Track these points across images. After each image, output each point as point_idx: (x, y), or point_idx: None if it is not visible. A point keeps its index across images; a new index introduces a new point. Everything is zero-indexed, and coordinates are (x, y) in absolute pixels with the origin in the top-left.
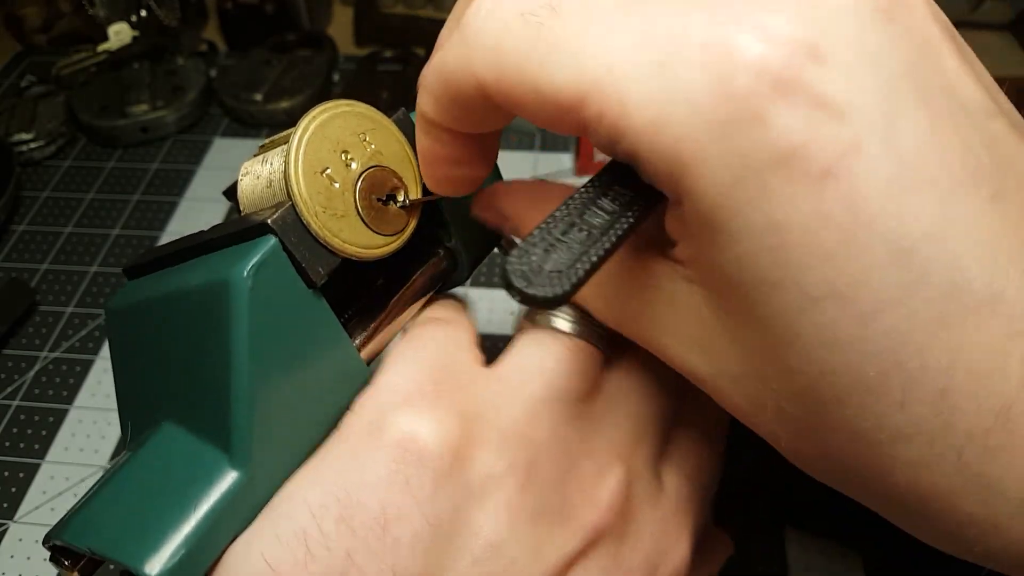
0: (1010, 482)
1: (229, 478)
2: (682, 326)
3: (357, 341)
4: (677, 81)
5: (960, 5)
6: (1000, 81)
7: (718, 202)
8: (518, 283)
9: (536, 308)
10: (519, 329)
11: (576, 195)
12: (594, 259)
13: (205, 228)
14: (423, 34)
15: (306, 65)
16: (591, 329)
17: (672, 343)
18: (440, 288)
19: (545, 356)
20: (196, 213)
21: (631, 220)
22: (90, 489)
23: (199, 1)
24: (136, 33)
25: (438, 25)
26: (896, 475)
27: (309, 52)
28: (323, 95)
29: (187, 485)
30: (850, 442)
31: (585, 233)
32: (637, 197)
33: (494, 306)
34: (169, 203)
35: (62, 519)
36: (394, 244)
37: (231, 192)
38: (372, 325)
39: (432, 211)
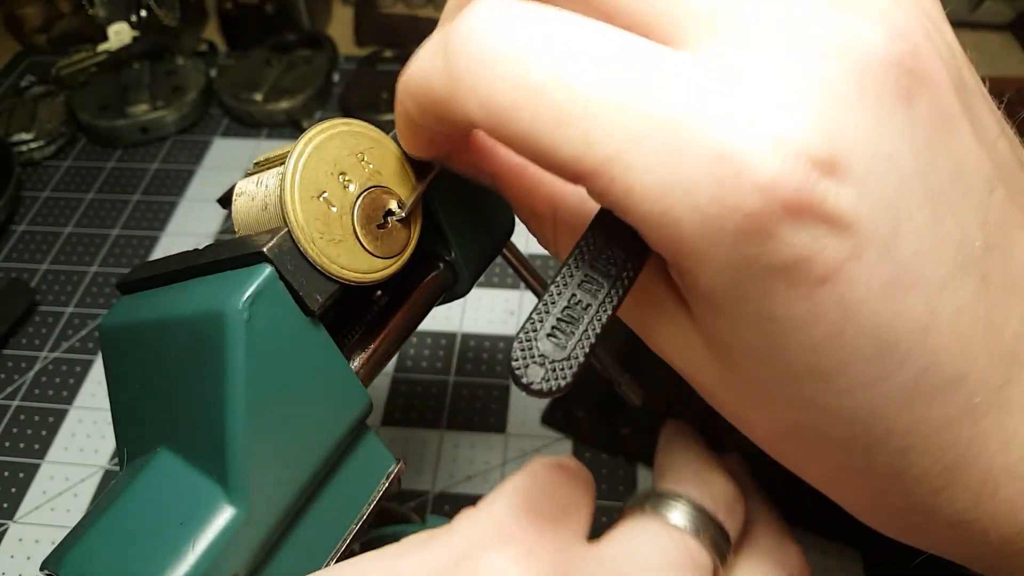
0: (947, 515)
1: (226, 514)
2: (681, 345)
3: (357, 363)
4: (688, 184)
5: (960, 5)
6: (1000, 81)
7: (718, 291)
8: (524, 380)
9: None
10: (629, 511)
11: (571, 261)
12: (591, 342)
13: (205, 228)
14: (423, 34)
15: (306, 65)
16: (707, 527)
17: (671, 353)
18: (442, 301)
19: (653, 552)
20: (196, 213)
21: (625, 286)
22: (87, 516)
23: (199, 1)
24: (136, 33)
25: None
26: (854, 496)
27: (309, 52)
28: (323, 95)
29: (184, 520)
30: (816, 463)
31: (583, 308)
32: (632, 256)
33: (494, 306)
34: (169, 203)
35: (59, 547)
36: (393, 267)
37: (225, 200)
38: (372, 346)
39: (431, 223)
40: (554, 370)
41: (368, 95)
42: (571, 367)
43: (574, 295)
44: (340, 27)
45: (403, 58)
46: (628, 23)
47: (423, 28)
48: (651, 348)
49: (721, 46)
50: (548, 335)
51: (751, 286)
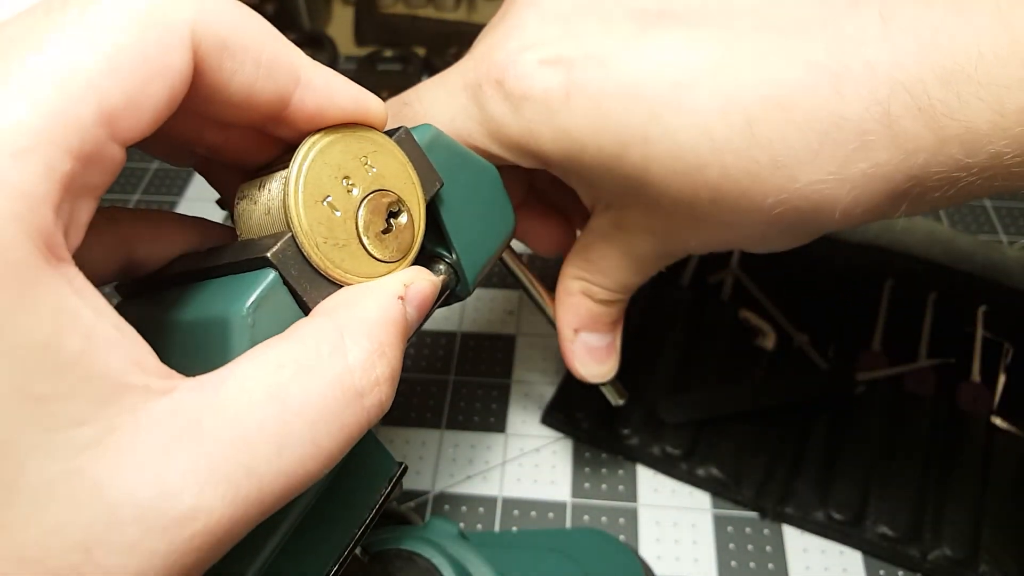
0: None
1: None
2: (621, 249)
3: None
4: (486, 108)
5: None
6: None
7: (555, 154)
8: None
9: None
10: None
11: None
12: None
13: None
14: (423, 34)
15: None
16: None
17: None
18: (444, 303)
19: None
20: (196, 213)
21: None
22: None
23: None
24: None
25: (438, 25)
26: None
27: (309, 52)
28: None
29: None
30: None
31: None
32: None
33: (494, 306)
34: (169, 203)
35: None
36: (396, 271)
37: (223, 202)
38: None
39: (432, 226)
40: None
41: None
42: None
43: None
44: (340, 27)
45: (403, 58)
46: None
47: (423, 28)
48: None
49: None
50: None
51: (552, 131)
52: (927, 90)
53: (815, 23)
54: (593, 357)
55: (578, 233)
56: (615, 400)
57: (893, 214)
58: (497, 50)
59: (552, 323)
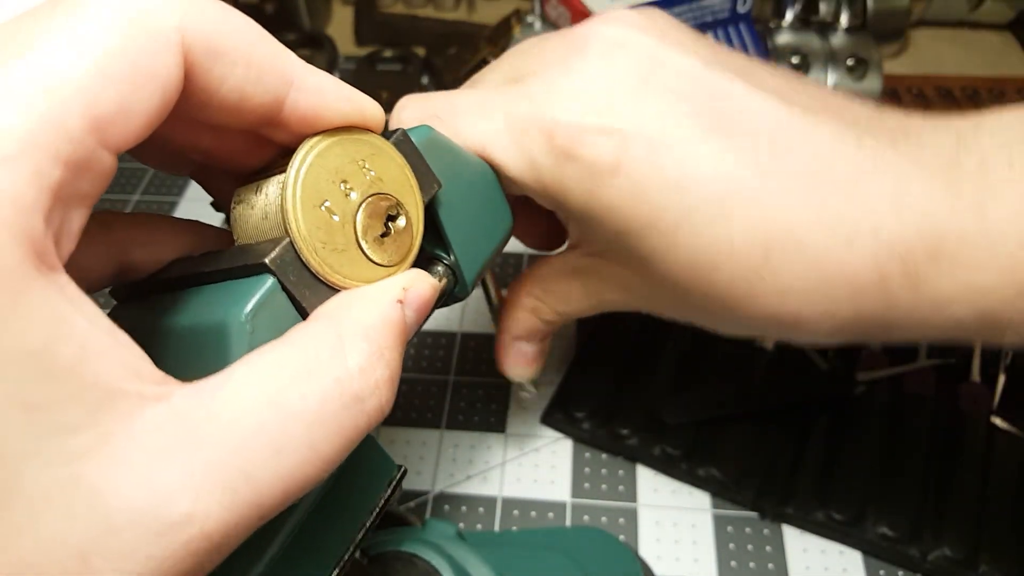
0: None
1: None
2: (601, 287)
3: None
4: (530, 155)
5: (960, 5)
6: (1000, 81)
7: (584, 212)
8: None
9: None
10: None
11: None
12: None
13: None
14: (423, 34)
15: None
16: None
17: (603, 297)
18: (443, 304)
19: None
20: (196, 214)
21: None
22: None
23: None
24: None
25: (438, 25)
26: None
27: (309, 52)
28: None
29: None
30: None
31: None
32: None
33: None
34: (169, 203)
35: None
36: (395, 275)
37: (218, 204)
38: None
39: (430, 227)
40: None
41: (368, 95)
42: None
43: None
44: (340, 27)
45: (403, 58)
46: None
47: (423, 28)
48: (606, 307)
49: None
50: None
51: (592, 193)
52: (915, 261)
53: (843, 177)
54: (524, 361)
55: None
56: (525, 393)
57: (863, 341)
58: (557, 106)
59: (495, 318)
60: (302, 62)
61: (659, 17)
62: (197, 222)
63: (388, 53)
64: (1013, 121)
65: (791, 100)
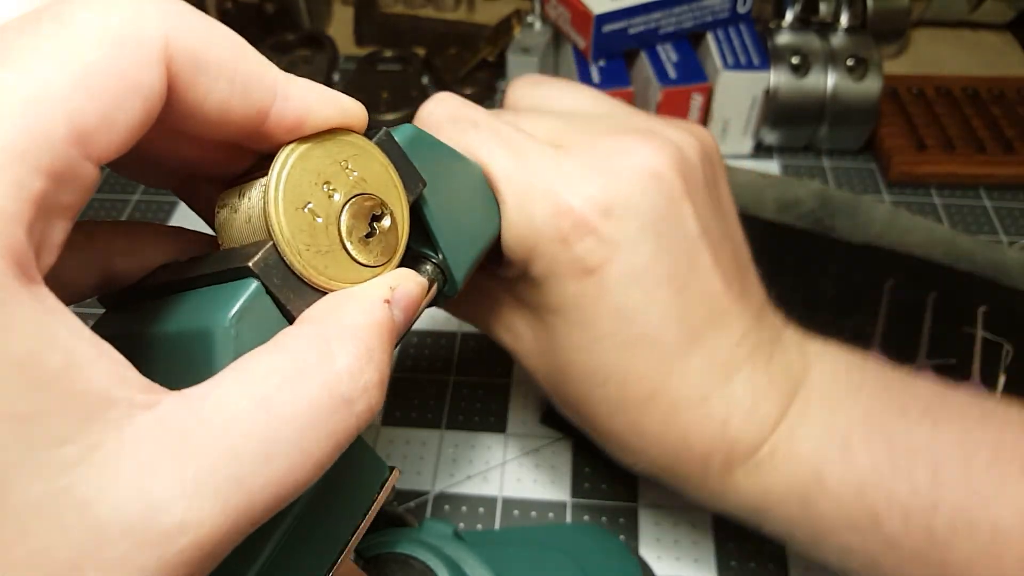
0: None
1: None
2: (503, 320)
3: None
4: (531, 213)
5: (960, 5)
6: (1000, 81)
7: (542, 277)
8: None
9: None
10: None
11: None
12: None
13: (204, 229)
14: (423, 34)
15: (306, 65)
16: None
17: (495, 327)
18: (432, 303)
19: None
20: (195, 215)
21: None
22: None
23: (199, 1)
24: None
25: (438, 25)
26: (598, 421)
27: (309, 52)
28: None
29: None
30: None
31: None
32: None
33: None
34: (169, 203)
35: None
36: (382, 274)
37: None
38: None
39: (417, 226)
40: None
41: (368, 95)
42: None
43: None
44: (340, 27)
45: (403, 58)
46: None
47: (423, 28)
48: (483, 330)
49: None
50: None
51: (559, 272)
52: (738, 454)
53: (724, 366)
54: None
55: None
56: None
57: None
58: (580, 192)
59: None
60: (283, 73)
61: (699, 154)
62: (181, 228)
63: (388, 53)
64: (837, 357)
65: (731, 282)
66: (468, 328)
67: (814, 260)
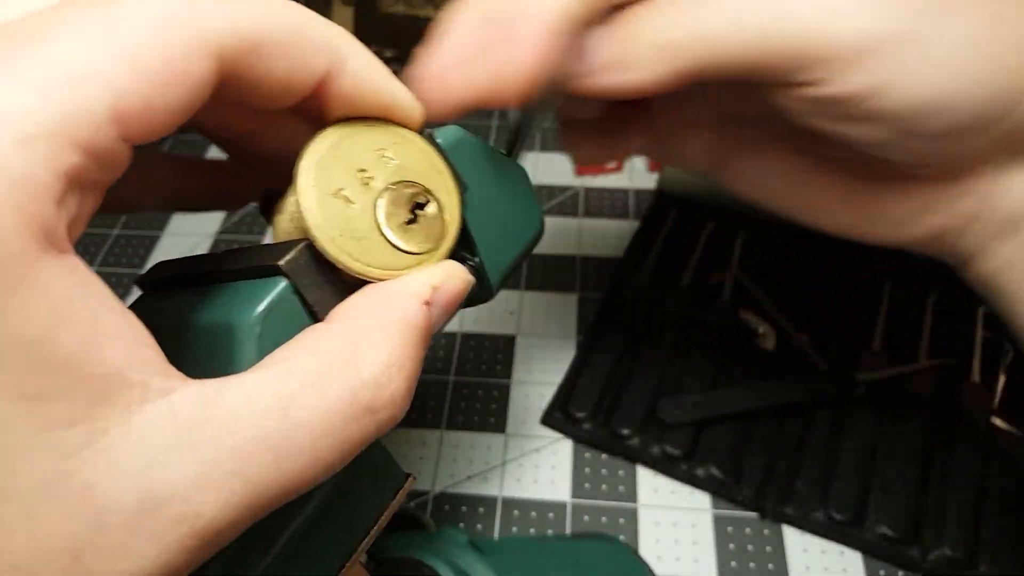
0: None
1: None
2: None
3: None
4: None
5: None
6: None
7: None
8: None
9: None
10: None
11: None
12: None
13: (205, 228)
14: (423, 34)
15: None
16: None
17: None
18: (465, 305)
19: None
20: (196, 214)
21: None
22: None
23: None
24: None
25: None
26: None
27: None
28: None
29: None
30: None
31: None
32: None
33: (494, 306)
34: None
35: None
36: (428, 263)
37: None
38: None
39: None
40: None
41: None
42: None
43: None
44: (340, 27)
45: (403, 58)
46: None
47: (423, 28)
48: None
49: None
50: None
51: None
52: None
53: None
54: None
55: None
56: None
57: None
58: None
59: None
60: (349, 41)
61: None
62: (188, 156)
63: (388, 53)
64: None
65: None
66: (468, 328)
67: (814, 260)
